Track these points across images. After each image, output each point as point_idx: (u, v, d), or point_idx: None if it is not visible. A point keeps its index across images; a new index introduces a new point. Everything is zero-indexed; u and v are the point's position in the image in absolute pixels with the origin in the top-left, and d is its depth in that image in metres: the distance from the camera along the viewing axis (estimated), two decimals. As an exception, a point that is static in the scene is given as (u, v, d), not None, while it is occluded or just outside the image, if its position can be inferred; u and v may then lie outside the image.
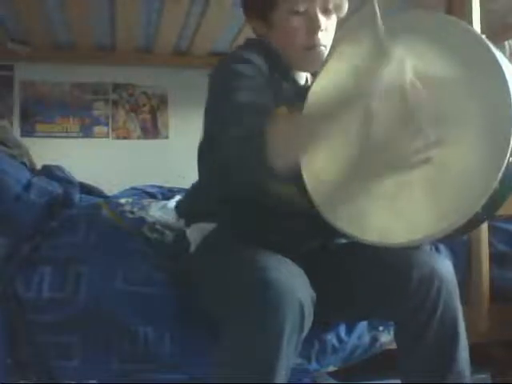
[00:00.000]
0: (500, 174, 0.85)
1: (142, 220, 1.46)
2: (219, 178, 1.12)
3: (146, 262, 1.33)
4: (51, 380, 1.22)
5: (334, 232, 0.99)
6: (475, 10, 1.57)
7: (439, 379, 1.09)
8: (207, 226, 1.20)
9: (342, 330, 1.34)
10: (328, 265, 1.19)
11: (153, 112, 3.23)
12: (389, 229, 0.94)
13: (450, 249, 1.54)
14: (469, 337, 1.12)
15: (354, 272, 1.17)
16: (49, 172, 1.63)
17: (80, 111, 3.12)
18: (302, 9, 1.13)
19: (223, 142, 1.03)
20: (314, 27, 1.13)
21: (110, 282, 1.27)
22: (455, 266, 1.18)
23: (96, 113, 3.15)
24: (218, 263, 1.10)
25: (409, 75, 0.90)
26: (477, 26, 1.56)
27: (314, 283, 0.97)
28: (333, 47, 1.16)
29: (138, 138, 3.21)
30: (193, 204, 1.30)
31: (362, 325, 1.37)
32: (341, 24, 1.21)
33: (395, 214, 0.94)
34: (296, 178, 0.99)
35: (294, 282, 0.92)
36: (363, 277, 1.15)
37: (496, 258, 1.58)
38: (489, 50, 0.92)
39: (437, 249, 1.51)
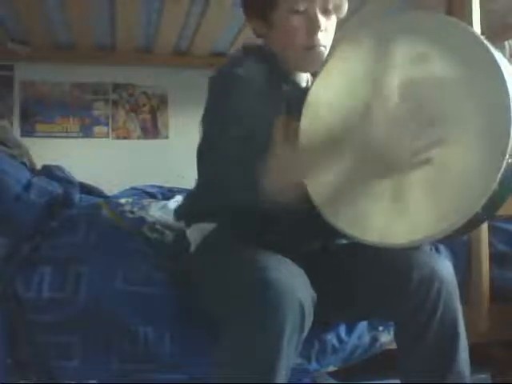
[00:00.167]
0: (499, 175, 0.86)
1: (142, 220, 1.46)
2: (219, 178, 1.12)
3: (146, 262, 1.33)
4: (51, 380, 1.22)
5: (335, 232, 0.99)
6: (475, 10, 1.57)
7: (439, 379, 1.09)
8: (207, 226, 1.20)
9: (342, 330, 1.34)
10: (328, 265, 1.19)
11: (153, 112, 3.23)
12: (389, 229, 0.94)
13: (450, 249, 1.54)
14: (469, 337, 1.12)
15: (354, 272, 1.17)
16: (49, 172, 1.63)
17: (80, 111, 3.12)
18: (301, 8, 1.13)
19: (223, 143, 1.03)
20: (314, 27, 1.13)
21: (109, 282, 1.27)
22: (455, 266, 1.18)
23: (96, 113, 3.15)
24: (218, 263, 1.10)
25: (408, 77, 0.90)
26: (477, 26, 1.56)
27: (315, 283, 0.97)
28: (333, 47, 1.16)
29: (138, 137, 3.21)
30: (193, 204, 1.30)
31: (362, 325, 1.37)
32: (341, 24, 1.21)
33: (395, 214, 0.94)
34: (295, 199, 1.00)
35: (294, 282, 0.92)
36: (363, 277, 1.15)
37: (496, 258, 1.58)
38: (488, 50, 0.92)
39: (437, 249, 1.51)
